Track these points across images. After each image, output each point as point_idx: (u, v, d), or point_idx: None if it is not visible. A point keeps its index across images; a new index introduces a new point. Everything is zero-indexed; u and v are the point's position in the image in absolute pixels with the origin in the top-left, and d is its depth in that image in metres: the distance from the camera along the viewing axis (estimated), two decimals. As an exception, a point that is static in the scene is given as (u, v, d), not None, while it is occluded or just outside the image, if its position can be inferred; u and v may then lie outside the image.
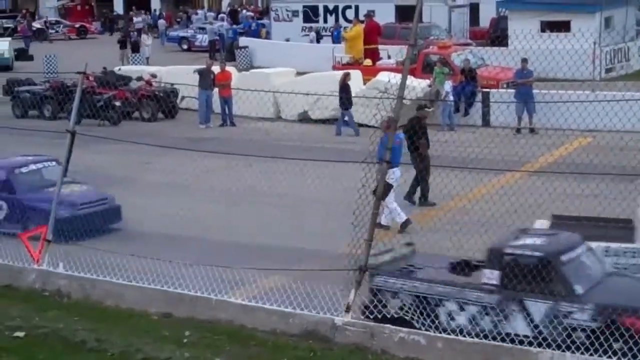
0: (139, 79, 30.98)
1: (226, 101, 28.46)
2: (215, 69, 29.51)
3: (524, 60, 25.83)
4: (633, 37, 37.47)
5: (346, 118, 26.62)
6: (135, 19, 59.68)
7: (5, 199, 16.84)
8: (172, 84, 30.18)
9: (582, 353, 9.68)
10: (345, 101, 26.39)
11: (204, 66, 29.58)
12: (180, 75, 31.59)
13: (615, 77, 33.54)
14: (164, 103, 29.44)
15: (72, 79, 27.58)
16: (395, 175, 16.23)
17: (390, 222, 16.31)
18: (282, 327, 11.05)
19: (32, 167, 17.37)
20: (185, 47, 52.83)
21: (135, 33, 48.71)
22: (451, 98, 26.99)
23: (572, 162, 18.47)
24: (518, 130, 25.49)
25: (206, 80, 28.46)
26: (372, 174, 11.42)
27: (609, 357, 9.54)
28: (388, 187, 15.69)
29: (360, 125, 25.86)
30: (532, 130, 25.36)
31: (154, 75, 31.18)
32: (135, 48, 45.69)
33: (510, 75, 28.07)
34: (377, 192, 11.42)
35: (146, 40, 46.17)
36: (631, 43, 36.52)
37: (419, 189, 18.03)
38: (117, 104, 28.88)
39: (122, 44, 45.70)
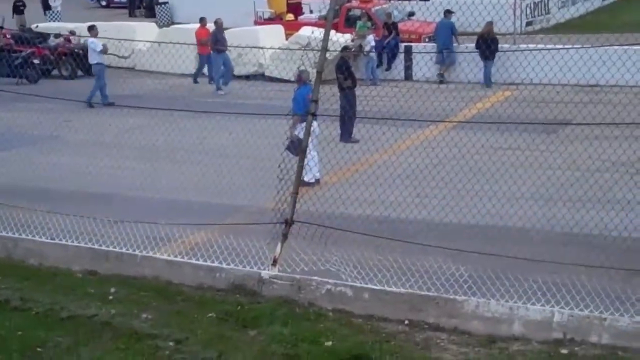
0: (58, 36, 30.45)
1: (207, 58, 27.91)
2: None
3: (449, 12, 25.92)
4: (553, -10, 37.86)
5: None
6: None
7: None
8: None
9: (506, 301, 9.79)
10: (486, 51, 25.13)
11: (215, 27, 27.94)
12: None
13: (535, 30, 33.85)
14: (83, 60, 28.99)
15: (-13, 36, 27.10)
16: (313, 127, 16.27)
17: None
18: (209, 282, 11.00)
19: None
20: (103, 3, 52.05)
21: None
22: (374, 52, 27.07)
23: (494, 113, 18.70)
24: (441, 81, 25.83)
25: (221, 41, 27.05)
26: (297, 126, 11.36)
27: (533, 303, 9.66)
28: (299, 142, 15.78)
29: (284, 80, 25.81)
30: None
31: (72, 32, 30.67)
32: (47, 5, 44.14)
33: (433, 28, 28.19)
34: (302, 145, 11.37)
35: (53, 1, 43.40)
36: (551, -4, 36.89)
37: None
38: (36, 61, 28.39)
39: (16, 10, 41.75)
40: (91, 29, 26.30)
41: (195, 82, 28.25)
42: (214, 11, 37.21)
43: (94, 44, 25.26)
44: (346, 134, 18.75)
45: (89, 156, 18.19)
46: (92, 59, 25.52)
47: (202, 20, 28.89)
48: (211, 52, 27.27)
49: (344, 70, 19.94)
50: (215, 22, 27.95)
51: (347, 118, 18.45)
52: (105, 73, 25.22)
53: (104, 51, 25.18)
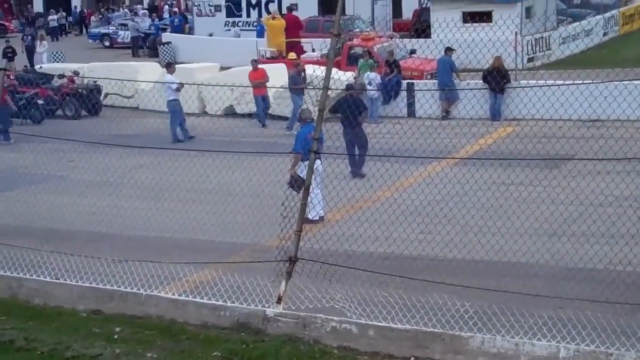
0: (62, 76, 30.60)
1: (264, 100, 27.70)
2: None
3: (449, 49, 26.01)
4: (554, 26, 38.00)
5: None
6: (50, 17, 58.58)
7: None
8: (95, 81, 29.88)
9: (512, 336, 9.77)
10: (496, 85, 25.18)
11: (294, 69, 27.67)
12: (102, 71, 31.22)
13: (536, 66, 33.97)
14: (87, 100, 29.14)
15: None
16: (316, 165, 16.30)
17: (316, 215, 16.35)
18: (213, 320, 10.98)
19: None
20: (107, 44, 52.32)
21: (30, 37, 44.34)
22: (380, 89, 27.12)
23: (497, 149, 18.76)
24: (444, 117, 26.00)
25: (299, 83, 26.66)
26: (299, 165, 11.40)
27: (539, 339, 9.64)
28: (301, 180, 15.73)
29: (287, 118, 25.93)
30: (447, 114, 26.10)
31: (76, 73, 30.83)
32: (32, 52, 42.90)
33: (434, 65, 28.30)
34: (305, 183, 11.37)
35: (39, 47, 42.37)
36: (552, 32, 37.02)
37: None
38: (40, 102, 28.52)
39: (5, 56, 38.63)
40: (169, 66, 26.57)
41: (264, 126, 27.50)
42: (216, 51, 37.70)
43: (170, 81, 25.53)
44: (358, 166, 18.83)
45: (92, 196, 18.23)
46: (168, 95, 25.71)
47: (254, 62, 28.54)
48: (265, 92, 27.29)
49: (347, 108, 19.91)
50: (296, 65, 27.95)
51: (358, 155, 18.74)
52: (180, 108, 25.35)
53: (179, 88, 25.22)
